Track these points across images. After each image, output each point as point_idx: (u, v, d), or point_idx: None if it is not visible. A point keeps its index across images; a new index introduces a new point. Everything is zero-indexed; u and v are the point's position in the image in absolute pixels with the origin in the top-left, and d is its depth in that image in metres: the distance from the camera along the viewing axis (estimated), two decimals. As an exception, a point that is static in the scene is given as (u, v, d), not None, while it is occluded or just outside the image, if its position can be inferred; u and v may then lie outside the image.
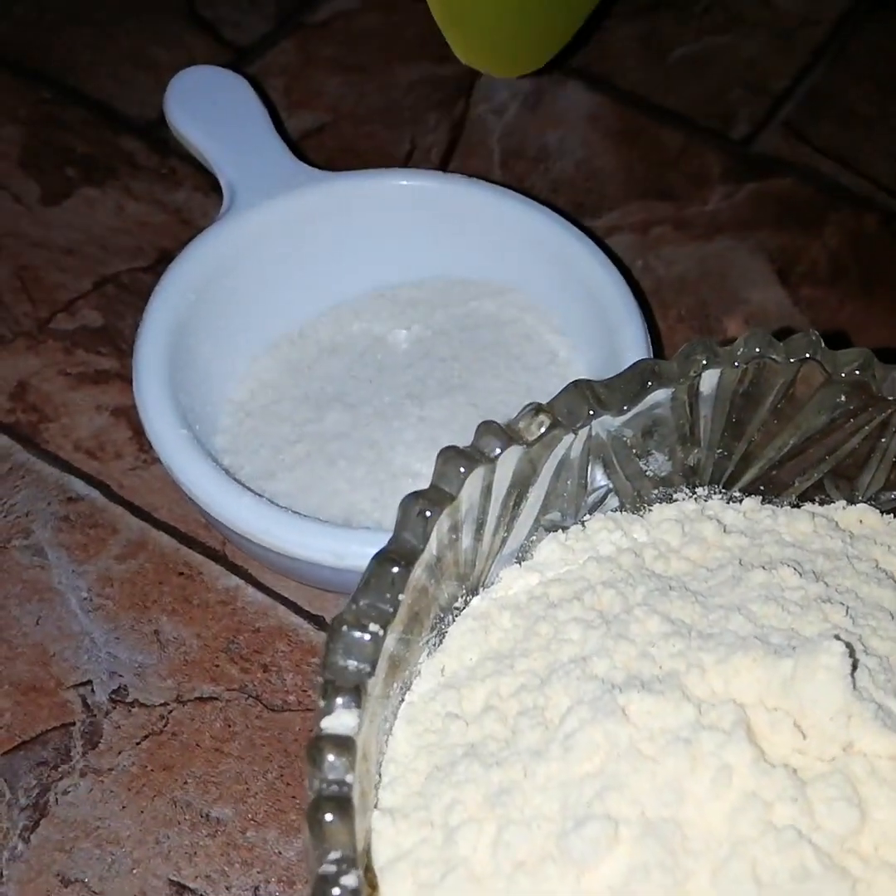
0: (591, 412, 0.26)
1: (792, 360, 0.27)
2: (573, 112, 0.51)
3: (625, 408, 0.27)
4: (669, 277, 0.46)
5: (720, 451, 0.29)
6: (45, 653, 0.36)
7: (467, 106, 0.51)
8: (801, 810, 0.21)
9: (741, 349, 0.27)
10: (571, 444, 0.27)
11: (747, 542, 0.28)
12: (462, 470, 0.24)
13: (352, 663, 0.22)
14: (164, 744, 0.34)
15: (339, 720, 0.21)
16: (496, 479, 0.25)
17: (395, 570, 0.23)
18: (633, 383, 0.27)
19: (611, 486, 0.29)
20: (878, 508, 0.29)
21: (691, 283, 0.45)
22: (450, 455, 0.24)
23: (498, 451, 0.25)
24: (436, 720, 0.25)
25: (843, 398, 0.27)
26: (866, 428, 0.28)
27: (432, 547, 0.24)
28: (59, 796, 0.33)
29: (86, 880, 0.32)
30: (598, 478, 0.29)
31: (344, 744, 0.21)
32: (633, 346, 0.34)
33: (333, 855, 0.20)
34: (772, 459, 0.29)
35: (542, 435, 0.26)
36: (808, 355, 0.26)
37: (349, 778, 0.20)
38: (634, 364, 0.27)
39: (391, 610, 0.23)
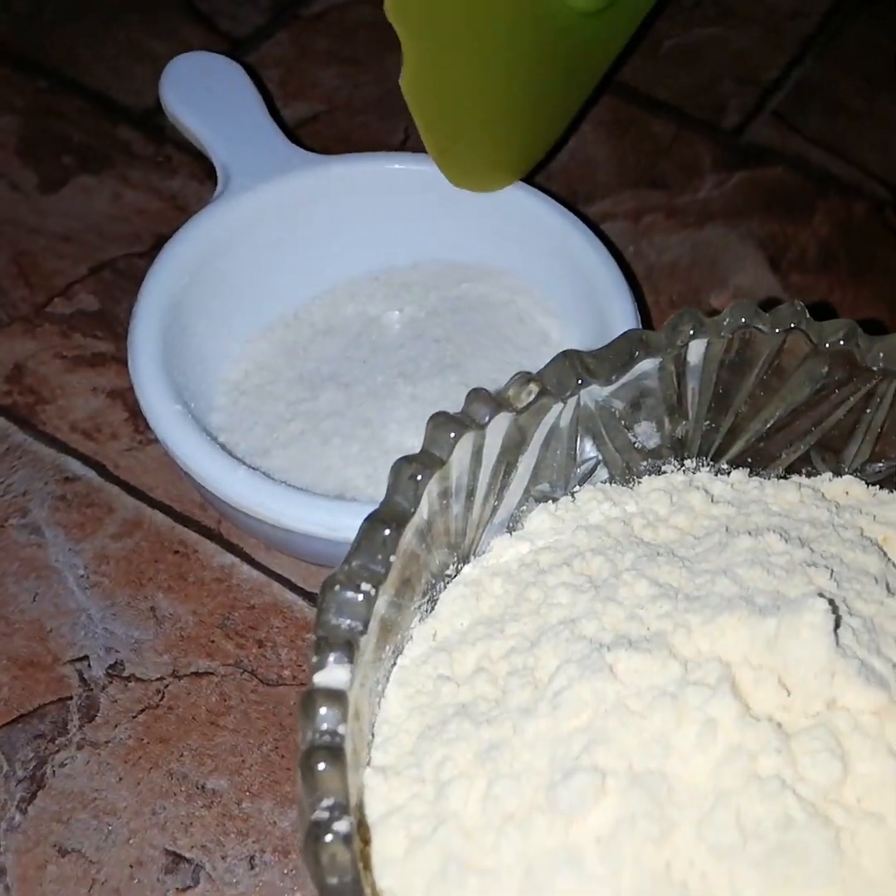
0: (580, 381, 0.27)
1: (777, 331, 0.27)
2: (565, 102, 0.52)
3: (613, 377, 0.27)
4: (661, 264, 0.46)
5: (708, 423, 0.30)
6: (43, 629, 0.36)
7: (461, 96, 0.51)
8: (785, 762, 0.21)
9: (727, 319, 0.27)
10: (560, 413, 0.27)
11: (734, 512, 0.28)
12: (452, 435, 0.25)
13: (344, 621, 0.23)
14: (161, 717, 0.35)
15: (332, 675, 0.22)
16: (486, 445, 0.26)
17: (387, 531, 0.24)
18: (621, 353, 0.27)
19: (600, 457, 0.29)
20: (863, 480, 0.30)
21: (682, 270, 0.46)
22: (440, 420, 0.25)
23: (487, 417, 0.25)
24: (427, 682, 0.26)
25: (828, 369, 0.28)
26: (851, 399, 0.28)
27: (423, 511, 0.25)
28: (56, 768, 0.34)
29: (82, 850, 0.32)
30: (587, 449, 0.29)
31: (336, 697, 0.21)
32: (623, 328, 0.35)
33: (326, 802, 0.20)
34: (759, 432, 0.30)
35: (531, 403, 0.26)
36: (793, 325, 0.27)
37: (341, 729, 0.21)
38: (622, 334, 0.27)
39: (383, 571, 0.23)
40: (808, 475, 0.30)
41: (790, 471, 0.30)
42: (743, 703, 0.22)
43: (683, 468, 0.30)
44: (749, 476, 0.30)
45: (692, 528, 0.28)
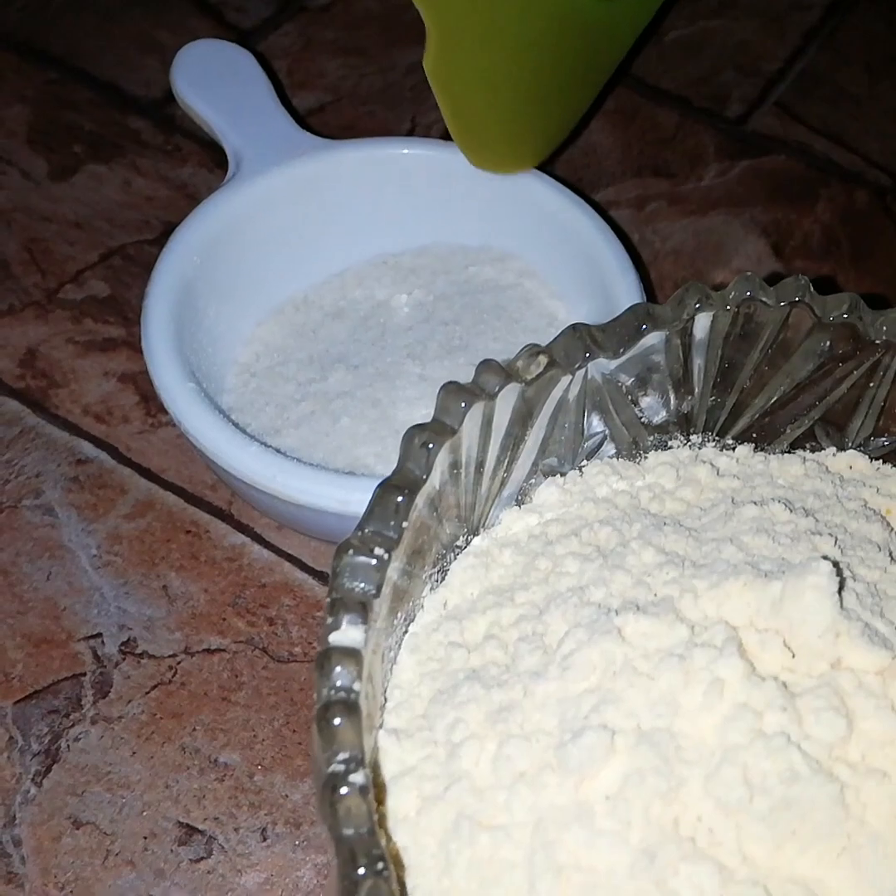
0: (588, 354, 0.27)
1: (782, 304, 0.27)
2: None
3: (620, 350, 0.28)
4: (665, 251, 0.47)
5: (714, 398, 0.30)
6: (56, 607, 0.37)
7: (467, 86, 0.52)
8: (791, 719, 0.22)
9: (732, 292, 0.28)
10: (568, 385, 0.28)
11: (740, 484, 0.29)
12: (463, 404, 0.25)
13: (358, 584, 0.23)
14: (173, 693, 0.35)
15: (347, 635, 0.22)
16: (495, 416, 0.26)
17: (399, 498, 0.24)
18: (628, 326, 0.27)
19: (607, 432, 0.30)
20: (866, 455, 0.30)
21: (686, 256, 0.46)
22: (451, 389, 0.25)
23: (497, 387, 0.26)
24: (439, 649, 0.26)
25: (831, 342, 0.28)
26: (855, 373, 0.29)
27: (435, 479, 0.25)
28: (71, 743, 0.34)
29: (97, 822, 0.33)
30: (595, 424, 0.30)
31: (351, 654, 0.22)
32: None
33: (342, 755, 0.20)
34: (763, 407, 0.30)
35: (540, 374, 0.26)
36: (797, 299, 0.27)
37: (356, 686, 0.21)
38: (629, 308, 0.28)
39: (395, 536, 0.24)
40: (813, 450, 0.31)
41: (795, 446, 0.31)
42: (749, 664, 0.23)
43: (689, 443, 0.31)
44: (754, 451, 0.31)
45: (698, 500, 0.29)
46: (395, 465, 0.25)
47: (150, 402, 0.42)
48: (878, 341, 0.28)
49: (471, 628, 0.26)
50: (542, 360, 0.27)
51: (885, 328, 0.28)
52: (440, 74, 0.35)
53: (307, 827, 0.32)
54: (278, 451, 0.33)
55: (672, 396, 0.30)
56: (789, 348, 0.29)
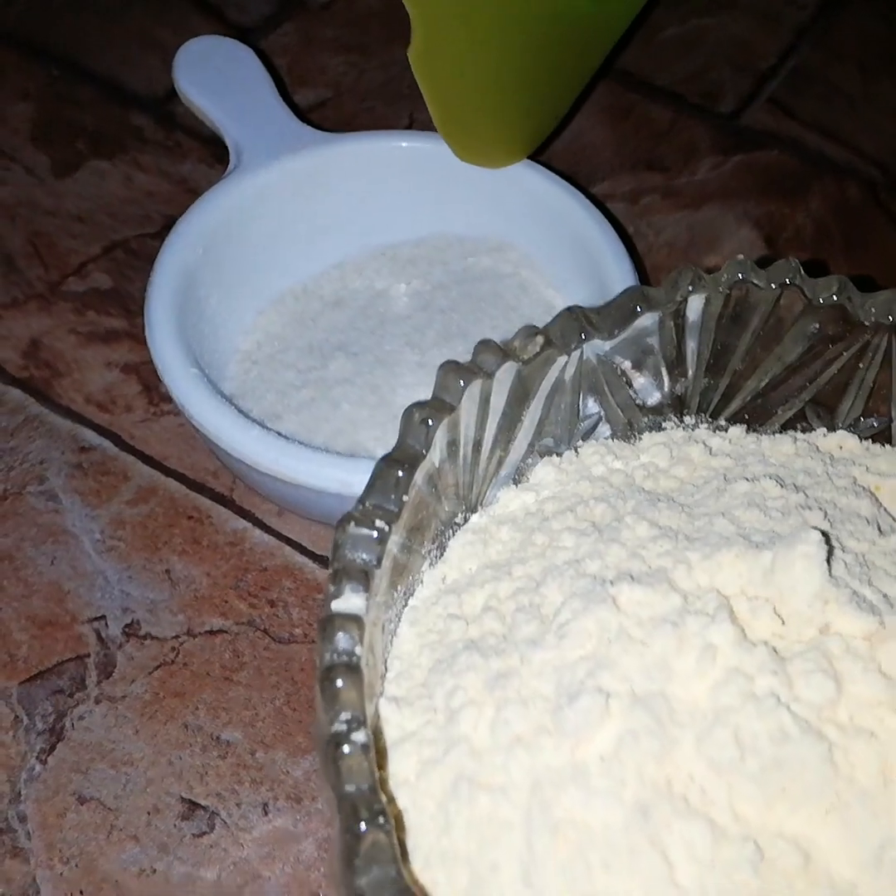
0: (583, 335, 0.28)
1: (773, 286, 0.28)
2: (566, 89, 0.53)
3: (615, 331, 0.28)
4: (659, 243, 0.47)
5: (707, 380, 0.31)
6: (61, 590, 0.37)
7: (464, 83, 0.53)
8: (781, 682, 0.22)
9: (725, 275, 0.28)
10: (564, 366, 0.28)
11: (732, 463, 0.29)
12: (461, 383, 0.26)
13: (359, 555, 0.24)
14: (176, 673, 0.36)
15: (348, 602, 0.23)
16: (493, 395, 0.27)
17: (400, 473, 0.25)
18: (622, 308, 0.28)
19: (602, 413, 0.31)
20: (856, 435, 0.31)
21: (680, 249, 0.47)
22: (450, 368, 0.26)
23: (495, 366, 0.26)
24: (438, 621, 0.27)
25: (821, 324, 0.29)
26: (845, 355, 0.29)
27: (434, 456, 0.26)
28: (75, 722, 0.35)
29: (101, 798, 0.33)
30: (590, 405, 0.30)
31: (353, 620, 0.22)
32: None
33: (344, 715, 0.21)
34: (756, 389, 0.31)
35: (537, 354, 0.27)
36: (788, 281, 0.28)
37: (358, 650, 0.22)
38: (624, 290, 0.28)
39: (395, 509, 0.24)
40: (804, 431, 0.31)
41: (786, 427, 0.31)
42: (740, 630, 0.23)
43: (683, 425, 0.31)
44: (747, 432, 0.31)
45: (692, 478, 0.29)
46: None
47: (153, 391, 0.42)
48: (867, 323, 0.29)
49: (469, 601, 0.27)
50: (539, 340, 0.27)
51: (874, 310, 0.28)
52: (425, 67, 0.36)
53: (308, 802, 0.33)
54: (280, 434, 0.34)
55: (666, 378, 0.30)
56: (781, 330, 0.29)
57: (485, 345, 0.27)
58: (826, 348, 0.29)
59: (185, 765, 0.34)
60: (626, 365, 0.30)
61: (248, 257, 0.40)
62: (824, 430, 0.31)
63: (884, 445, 0.30)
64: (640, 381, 0.30)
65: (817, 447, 0.30)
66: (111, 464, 0.40)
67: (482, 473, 0.29)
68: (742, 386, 0.31)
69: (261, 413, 0.37)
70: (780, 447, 0.30)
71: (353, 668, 0.22)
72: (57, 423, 0.41)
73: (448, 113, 0.38)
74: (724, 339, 0.30)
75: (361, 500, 0.25)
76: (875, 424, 0.31)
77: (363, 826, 0.20)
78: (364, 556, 0.24)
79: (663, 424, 0.31)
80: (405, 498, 0.25)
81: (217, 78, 0.42)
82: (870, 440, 0.31)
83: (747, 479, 0.28)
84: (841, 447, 0.31)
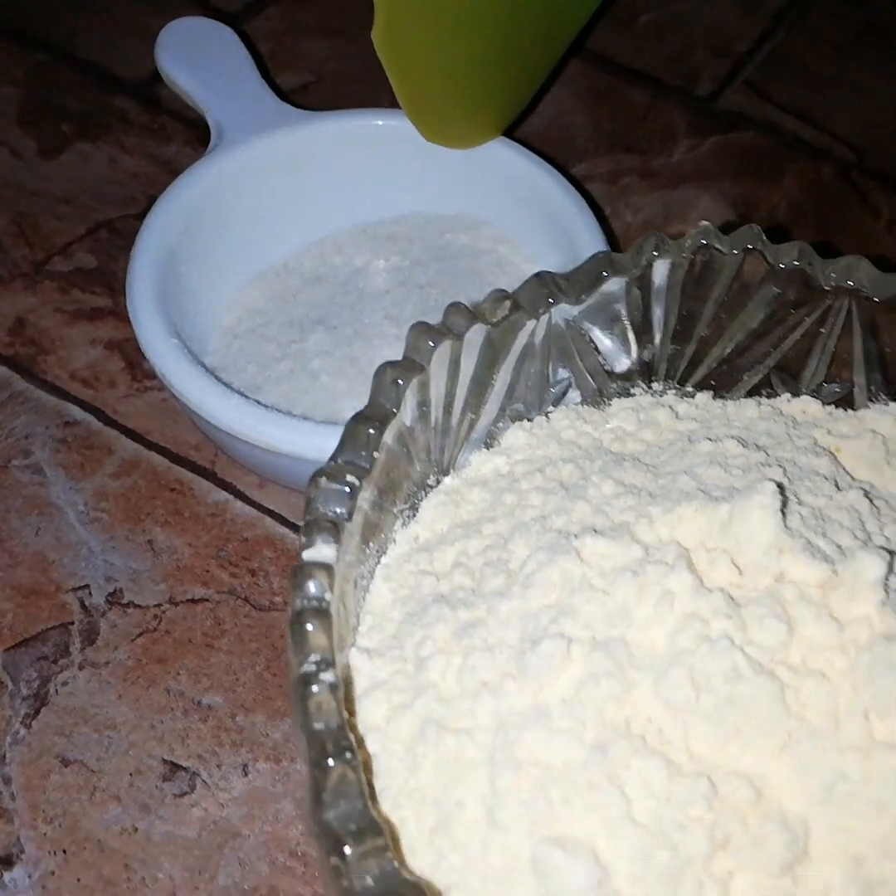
0: (551, 300, 0.29)
1: (735, 251, 0.29)
2: (546, 73, 0.54)
3: (582, 296, 0.29)
4: (636, 223, 0.48)
5: (674, 346, 0.31)
6: (45, 560, 0.38)
7: (445, 67, 0.53)
8: (736, 626, 0.23)
9: (688, 240, 0.29)
10: (534, 330, 0.29)
11: (697, 426, 0.30)
12: (431, 343, 0.27)
13: (331, 509, 0.24)
14: (158, 640, 0.36)
15: (319, 551, 0.23)
16: (463, 357, 0.28)
17: (371, 430, 0.25)
18: (590, 273, 0.29)
19: (572, 380, 0.31)
20: (819, 400, 0.31)
21: (656, 228, 0.48)
22: (421, 329, 0.27)
23: (464, 328, 0.27)
24: (409, 577, 0.27)
25: (783, 290, 0.30)
26: (807, 320, 0.30)
27: (405, 415, 0.26)
28: (59, 687, 0.35)
29: (84, 760, 0.34)
30: (560, 371, 0.31)
31: (323, 568, 0.23)
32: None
33: (313, 657, 0.22)
34: (721, 355, 0.32)
35: (505, 317, 0.28)
36: (750, 246, 0.29)
37: (327, 596, 0.23)
38: (591, 256, 0.29)
39: (367, 465, 0.25)
40: (769, 397, 0.32)
41: (752, 393, 0.32)
42: (697, 578, 0.24)
43: (652, 391, 0.32)
44: (713, 399, 0.32)
45: (658, 440, 0.30)
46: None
47: (136, 367, 0.43)
48: (827, 288, 0.29)
49: (440, 558, 0.28)
50: (508, 303, 0.28)
51: (834, 275, 0.29)
52: (389, 48, 0.36)
53: (287, 763, 0.34)
54: (259, 403, 0.34)
55: (634, 345, 0.31)
56: (744, 296, 0.30)
57: (455, 307, 0.27)
58: (788, 314, 0.30)
59: (167, 728, 0.35)
60: (595, 331, 0.30)
61: (230, 234, 0.40)
62: (789, 395, 0.32)
63: (846, 410, 0.31)
64: (607, 345, 0.31)
65: (781, 411, 0.31)
66: (95, 438, 0.41)
67: (454, 436, 0.30)
68: (708, 352, 0.32)
69: (241, 385, 0.38)
70: (745, 411, 0.31)
71: (322, 613, 0.22)
72: (42, 398, 0.42)
73: (413, 94, 0.38)
74: (689, 306, 0.30)
75: (334, 456, 0.25)
76: (838, 390, 0.31)
77: (331, 761, 0.21)
78: (335, 509, 0.24)
79: (632, 391, 0.32)
80: (376, 455, 0.25)
81: (199, 58, 0.42)
82: (833, 405, 0.31)
83: (710, 440, 0.28)
84: (804, 412, 0.31)
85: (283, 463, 0.34)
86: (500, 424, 0.31)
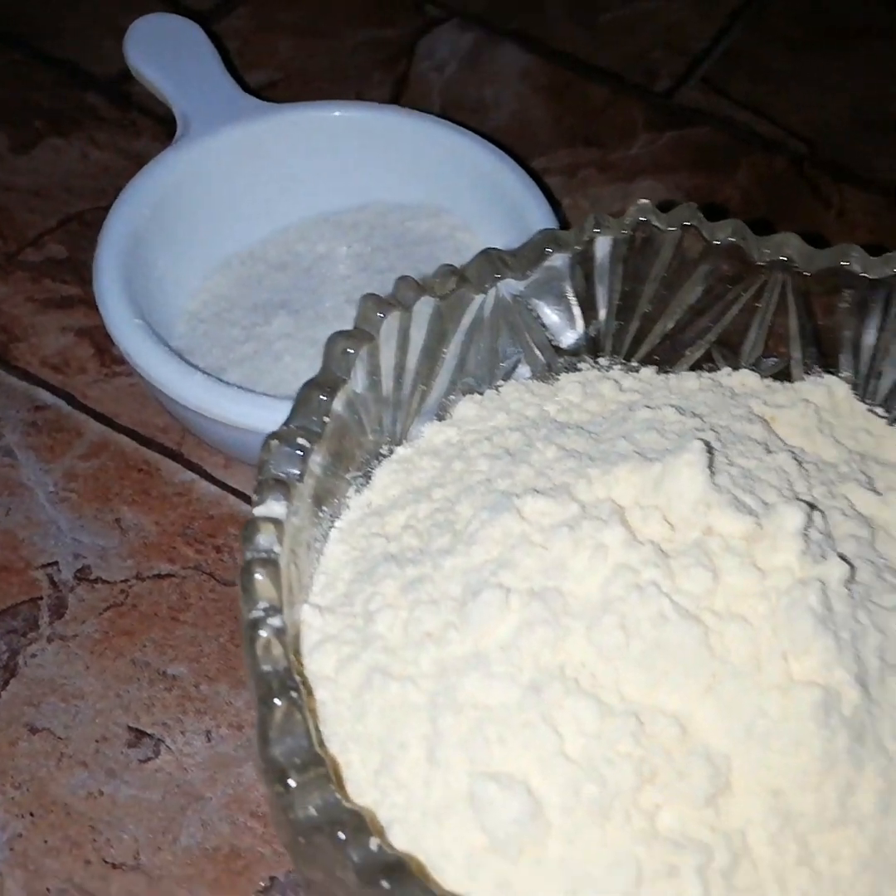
0: (498, 274, 0.30)
1: (672, 228, 0.30)
2: (508, 70, 0.55)
3: (528, 271, 0.30)
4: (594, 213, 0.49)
5: (618, 322, 0.33)
6: (15, 538, 0.39)
7: (410, 64, 0.55)
8: (664, 575, 0.24)
9: (628, 218, 0.30)
10: (482, 304, 0.30)
11: (639, 397, 0.31)
12: (380, 314, 0.28)
13: (283, 469, 0.26)
14: (125, 614, 0.37)
15: (270, 508, 0.25)
16: (412, 328, 0.29)
17: (321, 396, 0.27)
18: (535, 249, 0.30)
19: (521, 354, 0.33)
20: (758, 374, 0.33)
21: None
22: (370, 300, 0.28)
23: (412, 300, 0.28)
24: (361, 540, 0.28)
25: (720, 265, 0.31)
26: (744, 295, 0.32)
27: (355, 383, 0.28)
28: (28, 659, 0.36)
29: (52, 728, 0.35)
30: (509, 347, 0.32)
31: (273, 522, 0.24)
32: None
33: (262, 604, 0.23)
34: (664, 331, 0.33)
35: (453, 290, 0.29)
36: (687, 223, 0.30)
37: (277, 548, 0.24)
38: (536, 233, 0.30)
39: (318, 430, 0.26)
40: (711, 371, 0.33)
41: (695, 368, 0.33)
42: (630, 532, 0.25)
43: (598, 366, 0.33)
44: (657, 373, 0.33)
45: (602, 411, 0.31)
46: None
47: (105, 353, 0.44)
48: (762, 264, 0.31)
49: (391, 522, 0.29)
50: (455, 278, 0.29)
51: (767, 251, 0.31)
52: None
53: (249, 729, 0.35)
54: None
55: (580, 320, 0.32)
56: (684, 273, 0.32)
57: (404, 280, 0.29)
58: (726, 289, 0.32)
59: (133, 697, 0.36)
60: (542, 307, 0.32)
61: (196, 222, 0.41)
62: (729, 369, 0.33)
63: (783, 383, 0.33)
64: (554, 321, 0.32)
65: (721, 384, 0.32)
66: (65, 421, 0.42)
67: (406, 408, 0.31)
68: (652, 328, 0.33)
69: (206, 366, 0.39)
70: (685, 383, 0.32)
71: (271, 563, 0.23)
72: (13, 384, 0.43)
73: None
74: (632, 283, 0.32)
75: (287, 421, 0.27)
76: (775, 363, 0.33)
77: (277, 700, 0.22)
78: (287, 470, 0.26)
79: (579, 366, 0.33)
80: (326, 419, 0.27)
81: (166, 52, 0.43)
82: (771, 378, 0.33)
83: (649, 408, 0.30)
84: (743, 384, 0.33)
85: (246, 439, 0.35)
86: (452, 397, 0.32)
